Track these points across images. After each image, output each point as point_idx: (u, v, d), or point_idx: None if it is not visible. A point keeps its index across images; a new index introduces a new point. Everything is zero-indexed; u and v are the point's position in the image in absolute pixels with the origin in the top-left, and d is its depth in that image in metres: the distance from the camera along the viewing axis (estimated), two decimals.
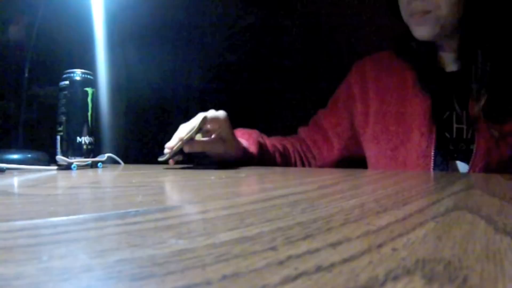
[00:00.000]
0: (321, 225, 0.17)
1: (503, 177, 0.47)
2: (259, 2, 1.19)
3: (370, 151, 0.81)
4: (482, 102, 0.63)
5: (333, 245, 0.14)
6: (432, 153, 0.69)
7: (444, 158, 0.68)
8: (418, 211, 0.21)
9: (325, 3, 1.15)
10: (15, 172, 0.50)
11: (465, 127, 0.67)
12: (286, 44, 1.21)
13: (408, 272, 0.11)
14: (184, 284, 0.10)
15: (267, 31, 1.19)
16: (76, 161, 0.60)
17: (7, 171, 0.50)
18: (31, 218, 0.18)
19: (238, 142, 0.70)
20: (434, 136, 0.69)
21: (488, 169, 0.65)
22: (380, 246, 0.14)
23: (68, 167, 0.58)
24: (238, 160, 0.70)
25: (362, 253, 0.13)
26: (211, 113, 0.65)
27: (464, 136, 0.67)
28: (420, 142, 0.70)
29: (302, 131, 0.88)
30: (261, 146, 0.75)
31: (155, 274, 0.10)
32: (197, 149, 0.64)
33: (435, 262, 0.12)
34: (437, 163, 0.69)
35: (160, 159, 0.62)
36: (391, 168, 0.75)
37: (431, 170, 0.69)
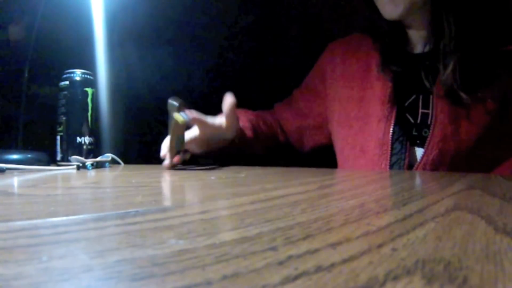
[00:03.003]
0: (321, 225, 0.17)
1: (503, 177, 0.47)
2: (259, 2, 1.19)
3: (336, 138, 0.79)
4: (453, 70, 0.60)
5: (333, 245, 0.14)
6: (389, 141, 0.66)
7: (403, 146, 0.66)
8: (418, 211, 0.21)
9: (325, 3, 1.15)
10: (15, 172, 0.50)
11: (430, 111, 0.65)
12: (286, 44, 1.21)
13: (408, 272, 0.11)
14: (184, 285, 0.10)
15: (267, 31, 1.19)
16: (89, 160, 0.60)
17: (7, 171, 0.50)
18: (31, 218, 0.18)
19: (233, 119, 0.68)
20: (392, 122, 0.66)
21: (443, 157, 0.62)
22: (380, 246, 0.14)
23: (83, 166, 0.59)
24: (233, 137, 0.69)
25: (362, 253, 0.13)
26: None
27: (429, 122, 0.64)
28: (377, 129, 0.68)
29: (277, 109, 0.87)
30: (253, 124, 0.74)
31: (155, 274, 0.10)
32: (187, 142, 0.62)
33: (435, 262, 0.12)
34: (394, 151, 0.66)
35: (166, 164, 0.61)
36: (352, 156, 0.73)
37: (388, 159, 0.66)
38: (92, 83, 0.67)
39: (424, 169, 0.64)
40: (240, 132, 0.71)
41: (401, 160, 0.65)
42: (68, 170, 0.57)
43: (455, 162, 0.62)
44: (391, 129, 0.66)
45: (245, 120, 0.75)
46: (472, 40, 0.61)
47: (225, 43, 1.16)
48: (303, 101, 0.84)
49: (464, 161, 0.62)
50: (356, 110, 0.72)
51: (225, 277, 0.10)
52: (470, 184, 0.38)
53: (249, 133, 0.73)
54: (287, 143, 0.84)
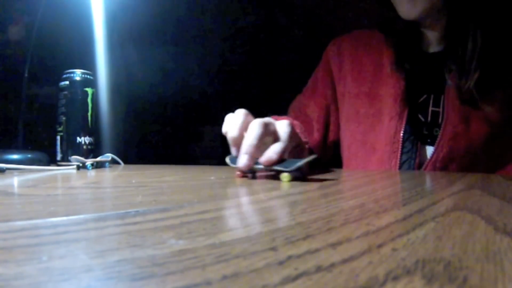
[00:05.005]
0: (321, 225, 0.17)
1: (503, 177, 0.47)
2: (259, 2, 1.19)
3: (343, 134, 0.77)
4: (475, 76, 0.60)
5: (333, 245, 0.14)
6: (401, 140, 0.66)
7: (414, 145, 0.65)
8: (418, 211, 0.21)
9: (326, 3, 1.15)
10: (15, 172, 0.50)
11: (441, 110, 0.64)
12: (286, 44, 1.21)
13: (408, 272, 0.11)
14: (184, 285, 0.10)
15: (267, 31, 1.19)
16: (89, 160, 0.60)
17: (7, 171, 0.50)
18: (31, 218, 0.18)
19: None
20: (404, 120, 0.66)
21: (453, 155, 0.62)
22: (380, 246, 0.14)
23: (83, 166, 0.59)
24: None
25: (362, 253, 0.13)
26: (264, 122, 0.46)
27: (439, 121, 0.64)
28: (388, 127, 0.67)
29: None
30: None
31: (155, 274, 0.10)
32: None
33: (435, 262, 0.12)
34: (405, 150, 0.66)
35: (246, 167, 0.42)
36: (361, 154, 0.72)
37: (398, 157, 0.66)
38: (92, 83, 0.67)
39: (434, 166, 0.63)
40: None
41: (411, 159, 0.65)
42: (68, 170, 0.57)
43: (465, 160, 0.62)
44: (403, 127, 0.66)
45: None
46: (496, 50, 0.61)
47: (225, 43, 1.16)
48: (316, 104, 0.79)
49: (474, 159, 0.62)
50: (367, 106, 0.72)
51: (225, 277, 0.10)
52: (470, 184, 0.38)
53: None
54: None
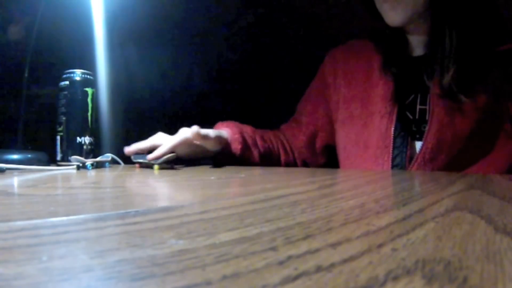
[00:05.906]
0: (321, 225, 0.17)
1: (503, 177, 0.47)
2: (259, 2, 1.19)
3: (338, 136, 0.83)
4: (451, 71, 0.64)
5: (333, 245, 0.14)
6: (392, 135, 0.70)
7: (404, 140, 0.70)
8: (418, 211, 0.21)
9: (325, 3, 1.15)
10: (15, 172, 0.50)
11: (427, 107, 0.69)
12: (286, 43, 1.21)
13: (408, 272, 0.11)
14: (184, 285, 0.10)
15: (267, 31, 1.19)
16: (89, 160, 0.60)
17: (7, 171, 0.50)
18: (31, 218, 0.18)
19: (220, 138, 0.71)
20: (394, 118, 0.70)
21: (440, 146, 0.66)
22: (380, 246, 0.14)
23: (83, 166, 0.59)
24: (220, 151, 0.72)
25: (362, 253, 0.13)
26: (183, 135, 0.65)
27: (427, 117, 0.69)
28: (380, 125, 0.72)
29: (283, 126, 0.90)
30: (244, 138, 0.76)
31: (155, 274, 0.10)
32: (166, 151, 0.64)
33: (435, 262, 0.12)
34: (396, 144, 0.70)
35: (152, 162, 0.61)
36: (355, 152, 0.77)
37: (391, 152, 0.70)
38: (92, 83, 0.67)
39: (423, 158, 0.67)
40: (226, 145, 0.73)
41: (403, 153, 0.70)
42: (68, 170, 0.57)
43: (452, 150, 0.66)
44: (393, 124, 0.70)
45: (236, 131, 0.76)
46: (470, 47, 0.66)
47: (224, 44, 1.16)
48: (307, 111, 0.87)
49: (461, 149, 0.66)
50: (359, 108, 0.77)
51: (225, 277, 0.10)
52: (470, 184, 0.38)
53: (237, 146, 0.74)
54: (291, 163, 0.86)
